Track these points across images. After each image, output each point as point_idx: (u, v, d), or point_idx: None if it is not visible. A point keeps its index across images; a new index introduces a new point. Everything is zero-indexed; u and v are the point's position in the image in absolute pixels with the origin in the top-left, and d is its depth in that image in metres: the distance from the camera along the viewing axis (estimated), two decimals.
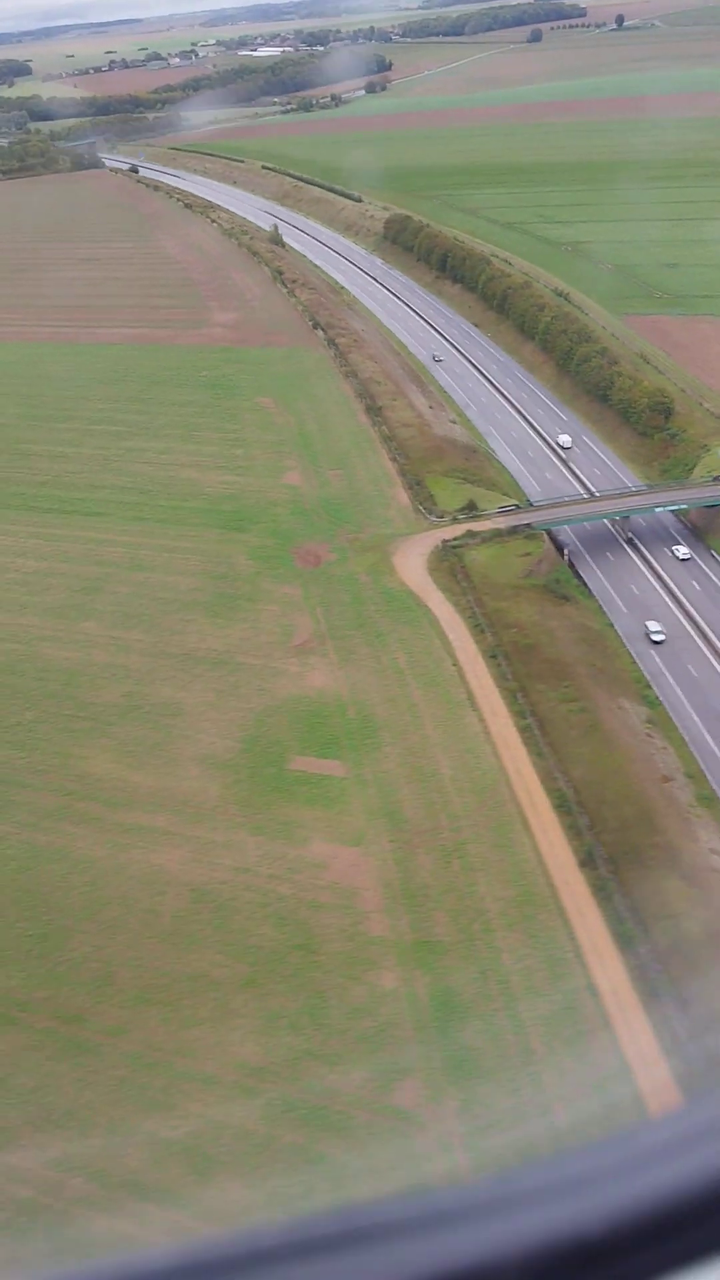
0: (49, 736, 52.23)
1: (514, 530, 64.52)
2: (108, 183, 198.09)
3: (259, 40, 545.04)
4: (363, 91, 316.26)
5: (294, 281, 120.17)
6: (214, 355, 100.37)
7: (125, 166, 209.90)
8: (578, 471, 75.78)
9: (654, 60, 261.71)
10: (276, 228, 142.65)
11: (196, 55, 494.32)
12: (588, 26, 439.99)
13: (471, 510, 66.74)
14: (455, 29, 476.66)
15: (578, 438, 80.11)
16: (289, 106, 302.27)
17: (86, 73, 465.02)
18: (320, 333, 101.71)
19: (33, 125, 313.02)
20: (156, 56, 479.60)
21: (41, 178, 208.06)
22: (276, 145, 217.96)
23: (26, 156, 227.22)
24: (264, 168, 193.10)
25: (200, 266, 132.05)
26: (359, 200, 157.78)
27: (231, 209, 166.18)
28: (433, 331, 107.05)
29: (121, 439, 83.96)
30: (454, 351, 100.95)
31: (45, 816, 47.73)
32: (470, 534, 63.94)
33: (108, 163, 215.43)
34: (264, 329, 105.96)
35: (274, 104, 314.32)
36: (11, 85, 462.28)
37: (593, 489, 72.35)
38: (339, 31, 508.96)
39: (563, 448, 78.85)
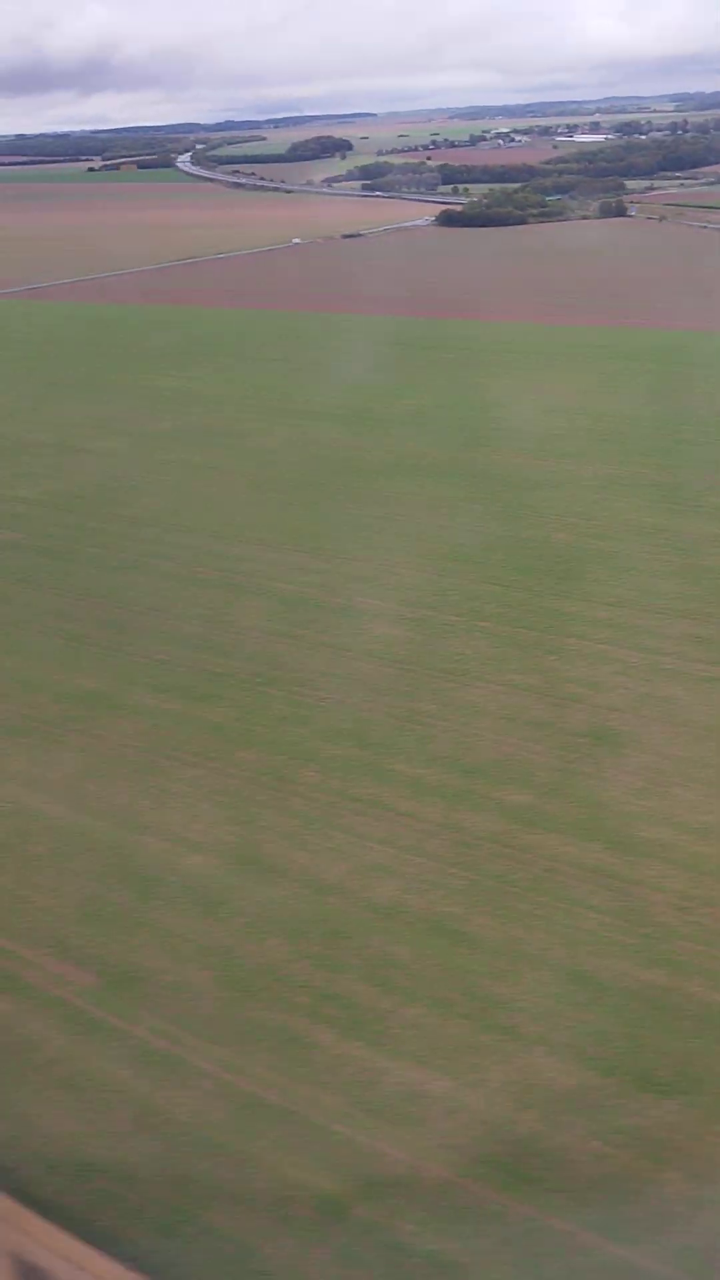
0: None
1: None
2: (667, 229, 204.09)
3: (561, 130, 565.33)
4: None
5: None
6: None
7: (647, 218, 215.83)
8: None
9: None
10: None
11: (513, 139, 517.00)
12: None
13: None
14: None
15: None
16: (709, 179, 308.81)
17: (415, 149, 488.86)
18: None
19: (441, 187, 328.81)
20: (482, 138, 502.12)
21: (575, 222, 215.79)
22: None
23: (527, 206, 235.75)
24: None
25: None
26: None
27: None
28: None
29: None
30: None
31: None
32: None
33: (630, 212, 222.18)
34: None
35: (675, 177, 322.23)
36: (344, 158, 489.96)
37: None
38: (649, 123, 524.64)
39: None
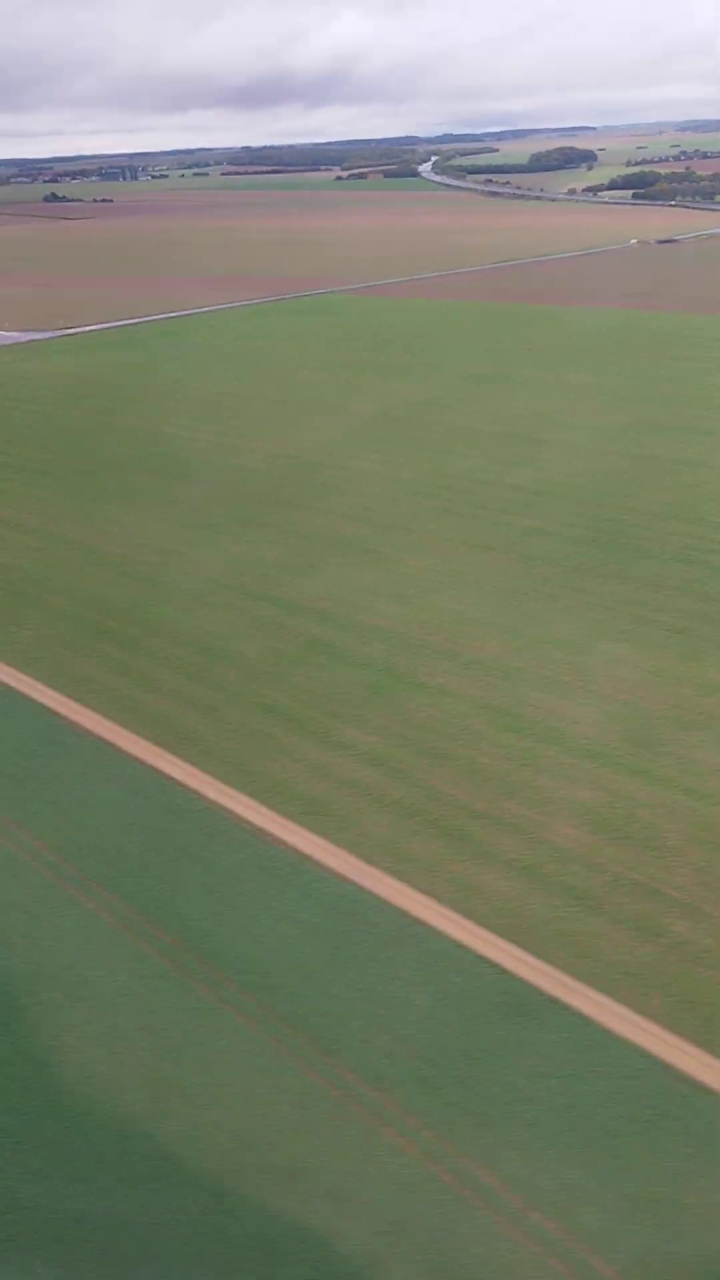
0: None
1: None
2: None
3: None
4: None
5: None
6: None
7: None
8: None
9: None
10: None
11: None
12: None
13: None
14: None
15: None
16: None
17: (661, 160, 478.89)
18: None
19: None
20: None
21: None
22: None
23: None
24: None
25: None
26: None
27: None
28: None
29: None
30: None
31: None
32: None
33: None
34: None
35: None
36: (591, 169, 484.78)
37: None
38: None
39: None
